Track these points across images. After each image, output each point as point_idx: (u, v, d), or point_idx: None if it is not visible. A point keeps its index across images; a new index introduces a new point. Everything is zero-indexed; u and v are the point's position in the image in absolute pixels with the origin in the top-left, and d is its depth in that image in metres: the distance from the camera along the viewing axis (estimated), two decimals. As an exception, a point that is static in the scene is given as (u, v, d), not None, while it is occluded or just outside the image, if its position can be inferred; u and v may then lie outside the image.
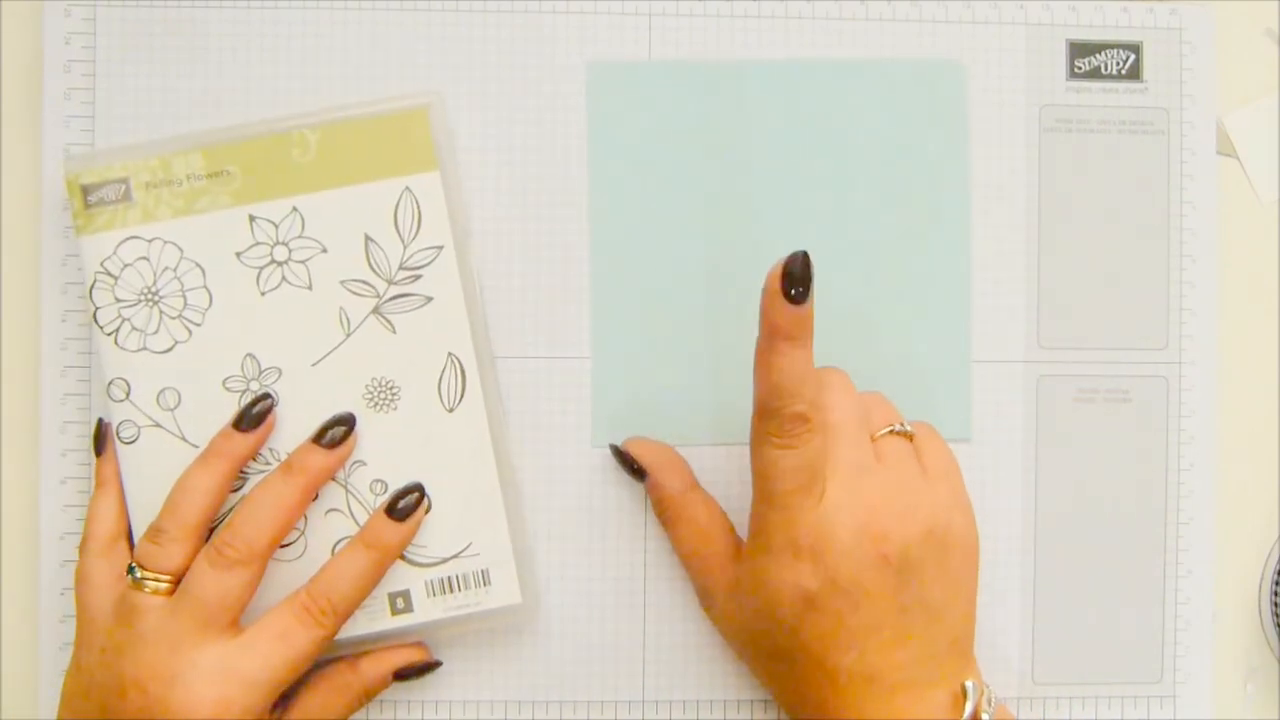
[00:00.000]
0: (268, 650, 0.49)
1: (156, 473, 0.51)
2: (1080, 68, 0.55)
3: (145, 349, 0.52)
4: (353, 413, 0.52)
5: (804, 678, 0.48)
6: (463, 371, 0.53)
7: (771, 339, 0.46)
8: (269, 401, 0.51)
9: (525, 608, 0.53)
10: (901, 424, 0.50)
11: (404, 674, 0.52)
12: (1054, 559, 0.55)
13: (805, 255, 0.45)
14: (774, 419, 0.47)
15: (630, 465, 0.53)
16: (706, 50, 0.55)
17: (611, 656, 0.54)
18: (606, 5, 0.55)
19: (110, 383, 0.52)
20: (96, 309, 0.52)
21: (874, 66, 0.55)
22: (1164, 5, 0.56)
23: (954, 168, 0.55)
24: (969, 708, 0.47)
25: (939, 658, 0.48)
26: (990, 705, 0.48)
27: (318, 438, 0.51)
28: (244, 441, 0.51)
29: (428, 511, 0.52)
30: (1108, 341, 0.56)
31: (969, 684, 0.48)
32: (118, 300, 0.52)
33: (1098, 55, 0.55)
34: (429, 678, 0.53)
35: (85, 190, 0.52)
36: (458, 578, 0.52)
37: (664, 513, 0.53)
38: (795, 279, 0.45)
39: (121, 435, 0.52)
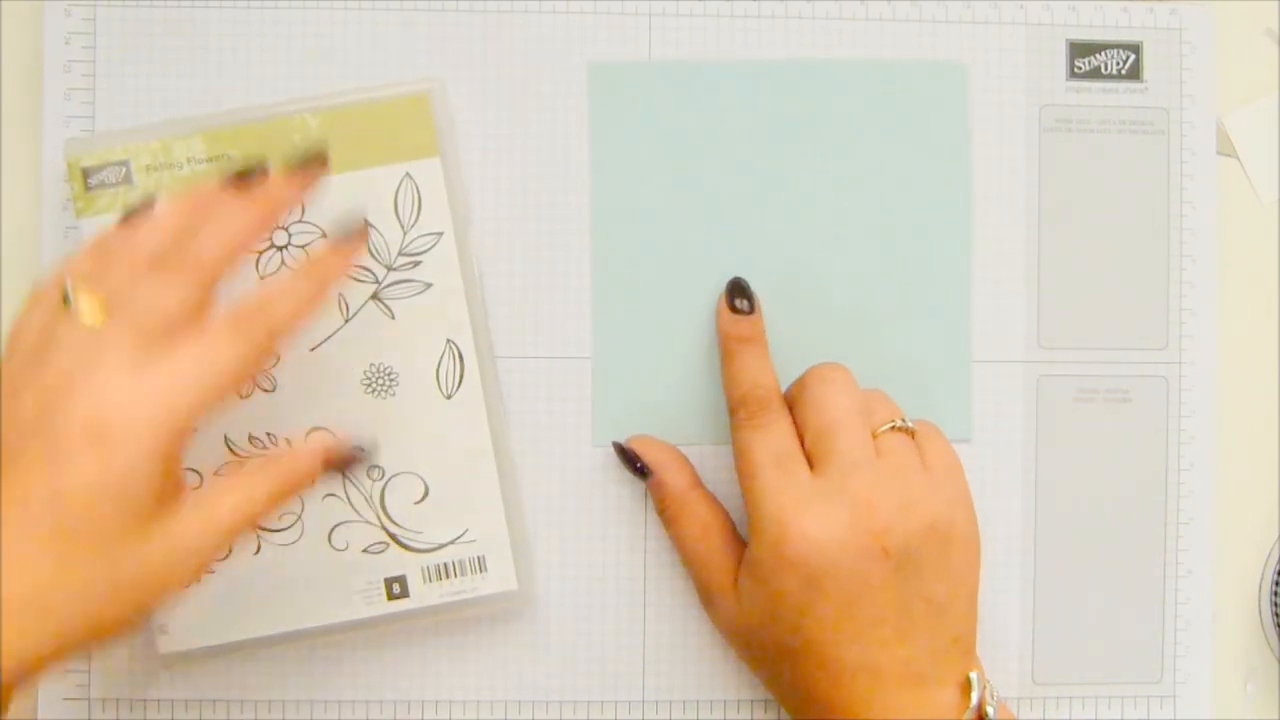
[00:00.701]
0: (188, 365, 0.43)
1: None
2: (1080, 68, 0.55)
3: None
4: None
5: (808, 675, 0.48)
6: (461, 358, 0.52)
7: (729, 344, 0.52)
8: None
9: (521, 594, 0.53)
10: (903, 420, 0.50)
11: (333, 460, 0.46)
12: (1054, 559, 0.55)
13: (742, 278, 0.53)
14: (743, 407, 0.50)
15: (634, 463, 0.53)
16: (706, 50, 0.55)
17: (611, 656, 0.54)
18: (606, 5, 0.55)
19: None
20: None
21: (874, 66, 0.55)
22: (1164, 5, 0.56)
23: (954, 167, 0.55)
24: (974, 699, 0.48)
25: (942, 654, 0.48)
26: (994, 700, 0.48)
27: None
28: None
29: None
30: (1108, 341, 0.55)
31: (973, 675, 0.48)
32: None
33: (1098, 55, 0.55)
34: (429, 678, 0.53)
35: (86, 173, 0.52)
36: (454, 564, 0.52)
37: (666, 511, 0.53)
38: (738, 293, 0.52)
39: None
